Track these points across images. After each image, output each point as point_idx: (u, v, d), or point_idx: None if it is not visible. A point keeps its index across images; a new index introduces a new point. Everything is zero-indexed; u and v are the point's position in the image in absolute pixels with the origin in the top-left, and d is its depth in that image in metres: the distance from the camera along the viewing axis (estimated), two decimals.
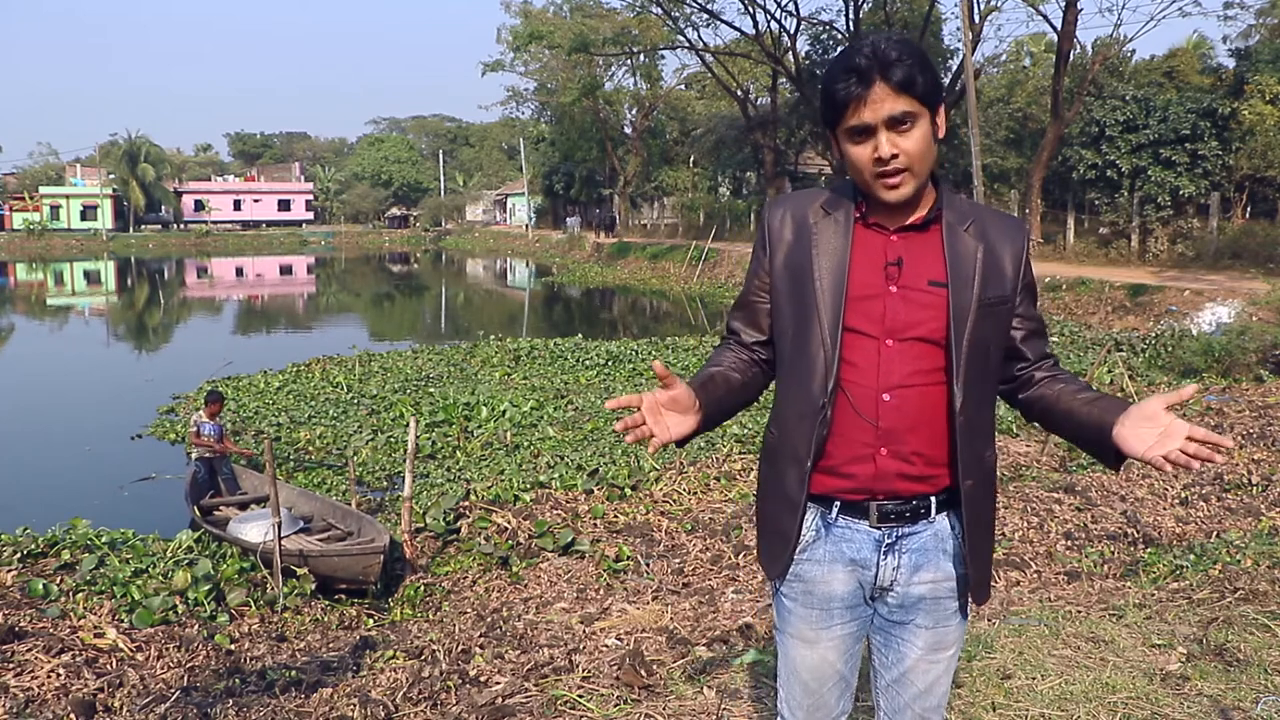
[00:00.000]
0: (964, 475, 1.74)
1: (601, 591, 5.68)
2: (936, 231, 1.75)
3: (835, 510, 1.79)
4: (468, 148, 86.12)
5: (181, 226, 67.74)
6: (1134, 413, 1.68)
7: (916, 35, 29.28)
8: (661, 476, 7.53)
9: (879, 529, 1.77)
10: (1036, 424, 1.92)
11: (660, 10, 33.30)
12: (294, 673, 4.46)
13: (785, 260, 1.81)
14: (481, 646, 4.48)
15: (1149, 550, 5.38)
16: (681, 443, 1.78)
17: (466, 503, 7.24)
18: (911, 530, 1.78)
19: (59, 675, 4.12)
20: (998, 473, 1.91)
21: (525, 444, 9.88)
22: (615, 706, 3.30)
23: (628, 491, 7.26)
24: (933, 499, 1.77)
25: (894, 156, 1.66)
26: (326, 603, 6.19)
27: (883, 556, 1.79)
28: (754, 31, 32.21)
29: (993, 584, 5.01)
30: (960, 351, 1.71)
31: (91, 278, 43.43)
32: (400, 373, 14.47)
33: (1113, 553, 5.51)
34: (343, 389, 13.48)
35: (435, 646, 4.53)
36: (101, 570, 5.68)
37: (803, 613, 1.86)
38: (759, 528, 1.92)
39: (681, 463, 7.89)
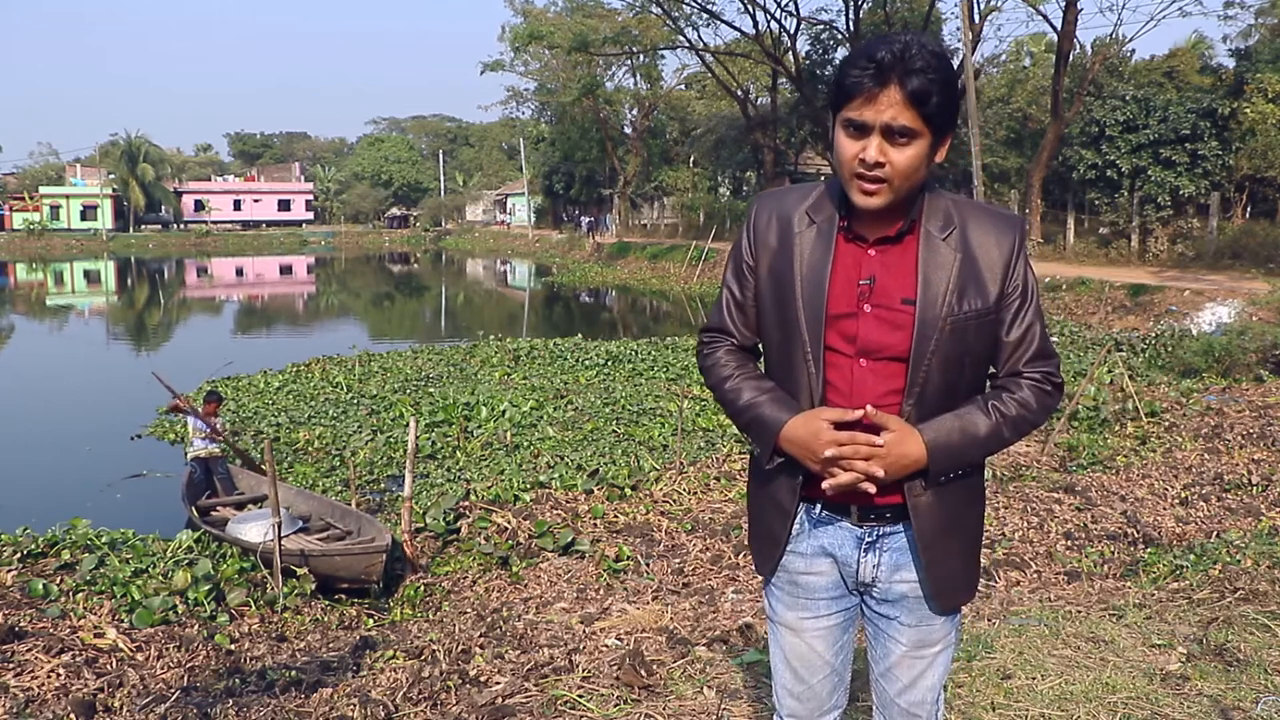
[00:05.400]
0: (910, 489, 1.73)
1: (601, 591, 5.67)
2: (912, 244, 1.71)
3: (819, 508, 1.82)
4: (468, 148, 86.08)
5: (181, 226, 67.70)
6: None
7: None
8: (661, 476, 7.53)
9: (861, 527, 1.79)
10: None
11: (660, 10, 33.32)
12: (294, 673, 4.45)
13: (769, 267, 1.79)
14: (481, 646, 4.47)
15: (1149, 550, 5.39)
16: None
17: (466, 503, 7.24)
18: (893, 530, 1.79)
19: (59, 675, 4.11)
20: (982, 484, 1.86)
21: (525, 444, 9.88)
22: (615, 706, 3.30)
23: (628, 491, 7.26)
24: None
25: (879, 165, 1.61)
26: (326, 603, 6.18)
27: (863, 554, 1.80)
28: (754, 31, 32.25)
29: (991, 586, 5.02)
30: (921, 370, 1.68)
31: (91, 278, 43.42)
32: (400, 373, 14.46)
33: (1113, 553, 5.52)
34: (342, 389, 13.47)
35: (435, 646, 4.52)
36: (101, 570, 5.67)
37: (789, 601, 1.89)
38: (751, 527, 1.95)
39: (681, 463, 7.89)
